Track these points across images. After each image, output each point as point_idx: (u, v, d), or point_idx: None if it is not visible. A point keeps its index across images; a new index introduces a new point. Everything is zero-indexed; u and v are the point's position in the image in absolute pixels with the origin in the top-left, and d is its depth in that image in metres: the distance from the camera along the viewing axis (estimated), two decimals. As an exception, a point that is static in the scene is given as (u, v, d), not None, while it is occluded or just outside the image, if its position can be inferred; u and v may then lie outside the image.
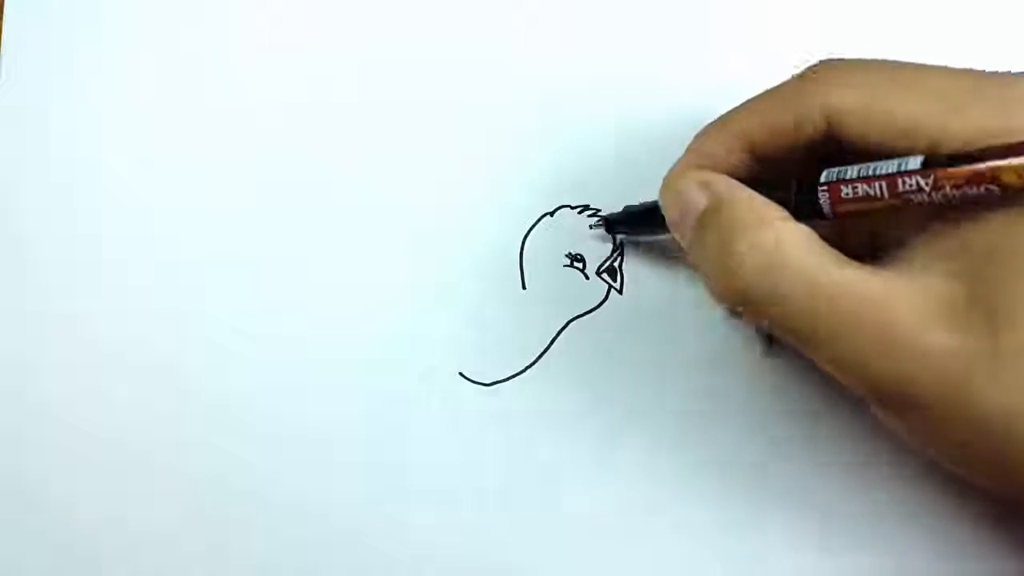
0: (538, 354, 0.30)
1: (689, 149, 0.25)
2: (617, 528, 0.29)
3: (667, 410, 0.29)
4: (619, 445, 0.29)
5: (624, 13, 0.32)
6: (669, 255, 0.30)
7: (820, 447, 0.29)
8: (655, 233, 0.28)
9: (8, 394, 0.31)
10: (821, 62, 0.23)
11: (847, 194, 0.22)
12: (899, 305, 0.21)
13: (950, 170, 0.20)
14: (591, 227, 0.30)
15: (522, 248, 0.31)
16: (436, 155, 0.31)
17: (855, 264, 0.22)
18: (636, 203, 0.29)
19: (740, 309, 0.23)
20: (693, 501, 0.29)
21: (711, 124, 0.25)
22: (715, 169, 0.25)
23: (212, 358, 0.30)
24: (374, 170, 0.31)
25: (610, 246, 0.30)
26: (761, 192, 0.23)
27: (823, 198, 0.22)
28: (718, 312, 0.29)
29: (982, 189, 0.20)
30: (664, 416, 0.29)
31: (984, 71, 0.22)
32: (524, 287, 0.31)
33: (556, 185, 0.31)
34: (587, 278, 0.30)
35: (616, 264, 0.30)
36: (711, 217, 0.23)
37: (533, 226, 0.31)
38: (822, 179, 0.22)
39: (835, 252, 0.22)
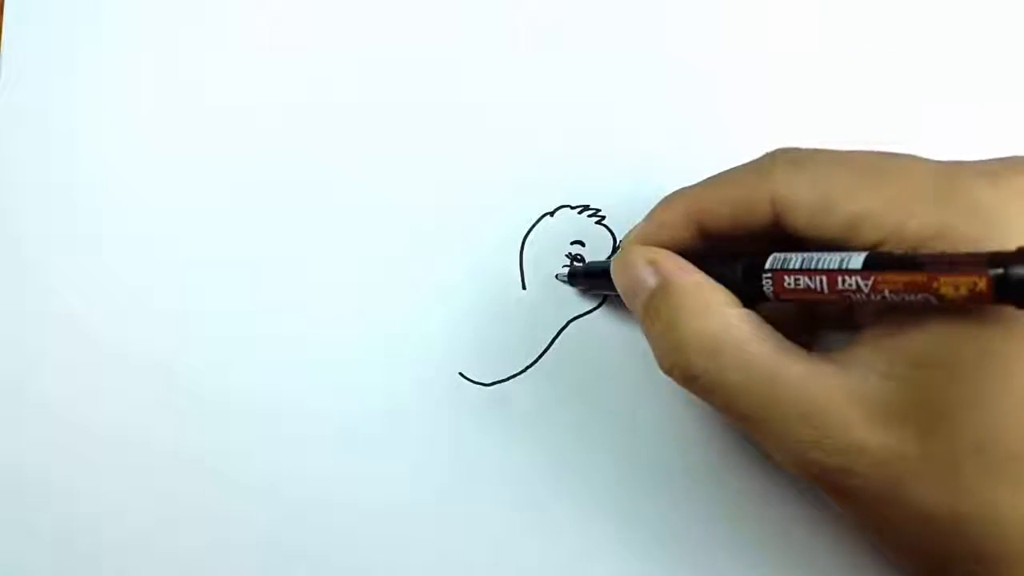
0: (538, 354, 0.30)
1: (646, 218, 0.26)
2: (618, 527, 0.29)
3: (667, 409, 0.29)
4: (619, 445, 0.29)
5: (625, 14, 0.32)
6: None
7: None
8: (614, 291, 0.28)
9: (8, 392, 0.30)
10: (775, 151, 0.23)
11: (789, 284, 0.22)
12: (837, 401, 0.21)
13: (888, 275, 0.20)
14: (556, 277, 0.30)
15: (522, 248, 0.31)
16: (436, 155, 0.31)
17: (798, 354, 0.22)
18: (603, 258, 0.29)
19: (687, 389, 0.24)
20: (693, 500, 0.29)
21: (668, 197, 0.25)
22: (669, 241, 0.25)
23: (212, 357, 0.30)
24: (374, 170, 0.31)
25: (610, 246, 0.30)
26: (710, 267, 0.24)
27: (767, 284, 0.22)
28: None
29: (920, 297, 0.19)
30: (664, 416, 0.29)
31: (958, 164, 0.21)
32: (524, 287, 0.31)
33: (556, 185, 0.31)
34: (587, 278, 0.30)
35: None
36: (659, 299, 0.24)
37: (533, 226, 0.31)
38: (767, 265, 0.22)
39: (780, 340, 0.22)
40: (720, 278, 0.23)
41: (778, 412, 0.22)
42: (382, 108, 0.32)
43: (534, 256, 0.31)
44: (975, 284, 0.18)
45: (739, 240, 0.24)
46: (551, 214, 0.31)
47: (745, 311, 0.23)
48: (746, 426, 0.23)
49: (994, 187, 0.20)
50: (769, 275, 0.22)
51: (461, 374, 0.30)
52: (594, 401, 0.30)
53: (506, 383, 0.30)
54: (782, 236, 0.23)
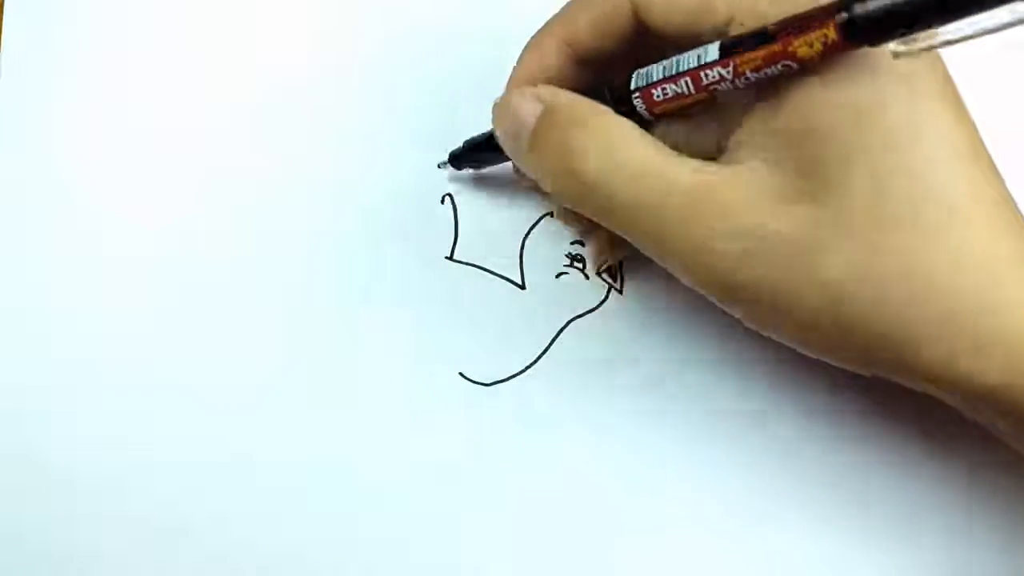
0: (538, 354, 0.30)
1: (517, 62, 0.26)
2: (619, 527, 0.29)
3: (668, 410, 0.29)
4: (619, 445, 0.29)
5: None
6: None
7: (826, 444, 0.29)
8: (498, 160, 0.28)
9: (8, 392, 0.30)
10: None
11: (658, 96, 0.22)
12: (734, 193, 0.21)
13: (745, 55, 0.20)
14: (439, 166, 0.30)
15: (522, 248, 0.31)
16: (435, 155, 0.31)
17: (683, 158, 0.22)
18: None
19: (585, 212, 0.23)
20: (695, 499, 0.29)
21: (535, 34, 0.26)
22: (545, 77, 0.25)
23: (211, 357, 0.30)
24: (373, 170, 0.31)
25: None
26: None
27: (638, 103, 0.23)
28: (719, 311, 0.29)
29: (780, 67, 0.20)
30: (665, 416, 0.29)
31: None
32: (524, 287, 0.31)
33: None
34: (587, 278, 0.30)
35: (616, 264, 0.30)
36: (547, 121, 0.24)
37: (533, 226, 0.31)
38: (632, 85, 0.23)
39: (664, 147, 0.22)
40: None
41: (686, 212, 0.22)
42: (381, 109, 0.32)
43: (534, 256, 0.31)
44: (826, 36, 0.19)
45: (609, 67, 0.24)
46: (551, 214, 0.31)
47: (627, 120, 0.23)
48: (649, 238, 0.23)
49: None
50: (637, 94, 0.23)
51: (461, 374, 0.30)
52: (594, 401, 0.30)
53: (506, 383, 0.30)
54: (649, 54, 0.23)
